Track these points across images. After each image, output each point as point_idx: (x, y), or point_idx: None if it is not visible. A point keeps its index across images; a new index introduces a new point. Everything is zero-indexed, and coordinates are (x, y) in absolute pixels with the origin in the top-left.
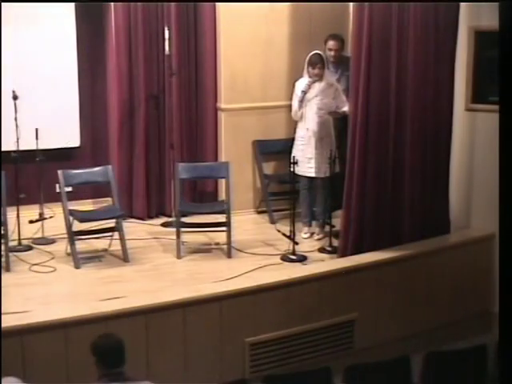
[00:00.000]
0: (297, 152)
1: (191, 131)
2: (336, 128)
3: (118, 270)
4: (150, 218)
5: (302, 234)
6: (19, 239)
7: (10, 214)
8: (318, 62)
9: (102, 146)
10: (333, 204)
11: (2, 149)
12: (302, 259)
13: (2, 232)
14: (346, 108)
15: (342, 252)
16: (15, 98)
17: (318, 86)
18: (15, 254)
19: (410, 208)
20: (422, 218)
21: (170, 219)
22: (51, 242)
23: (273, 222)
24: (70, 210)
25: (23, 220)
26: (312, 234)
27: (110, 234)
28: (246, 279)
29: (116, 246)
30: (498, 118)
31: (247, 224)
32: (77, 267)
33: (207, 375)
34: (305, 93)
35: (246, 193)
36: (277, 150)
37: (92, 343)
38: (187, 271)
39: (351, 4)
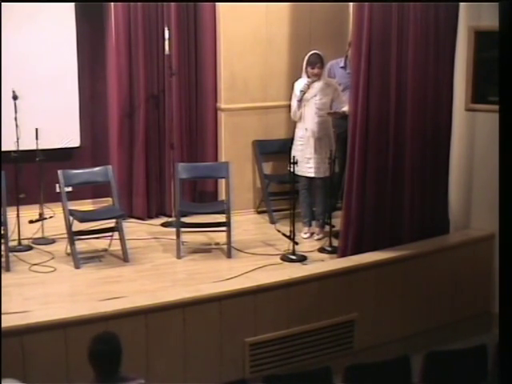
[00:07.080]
0: (296, 152)
1: (191, 131)
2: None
3: (118, 270)
4: (150, 218)
5: (302, 233)
6: (19, 239)
7: (10, 214)
8: (316, 62)
9: (101, 146)
10: (332, 204)
11: (2, 149)
12: (302, 259)
13: (2, 232)
14: (345, 108)
15: (342, 252)
16: (15, 98)
17: (316, 86)
18: (15, 253)
19: (409, 208)
20: (421, 217)
21: (170, 219)
22: (51, 242)
23: (273, 222)
24: (70, 210)
25: (23, 220)
26: (312, 233)
27: (109, 233)
28: (246, 279)
29: (116, 245)
30: (498, 117)
31: (247, 224)
32: (77, 267)
33: (207, 375)
34: (304, 92)
35: (246, 193)
36: (277, 150)
37: (88, 347)
38: (187, 271)
39: (351, 4)
